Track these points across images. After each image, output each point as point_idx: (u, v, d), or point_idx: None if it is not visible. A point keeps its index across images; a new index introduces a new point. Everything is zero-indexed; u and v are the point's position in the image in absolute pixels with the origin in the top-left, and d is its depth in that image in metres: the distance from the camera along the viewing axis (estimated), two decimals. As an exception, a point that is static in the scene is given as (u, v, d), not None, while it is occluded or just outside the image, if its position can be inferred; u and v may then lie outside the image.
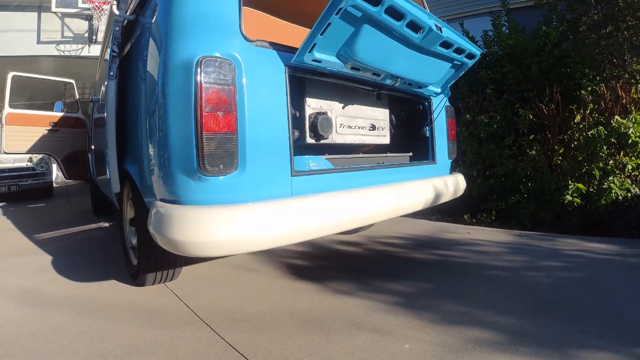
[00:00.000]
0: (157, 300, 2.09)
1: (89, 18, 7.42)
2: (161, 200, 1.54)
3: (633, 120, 3.51)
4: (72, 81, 5.83)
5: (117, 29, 1.96)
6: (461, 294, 2.08)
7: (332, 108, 2.13)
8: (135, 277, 2.26)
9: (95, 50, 7.69)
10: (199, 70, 1.39)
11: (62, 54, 7.57)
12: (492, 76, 4.50)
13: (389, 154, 2.46)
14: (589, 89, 3.95)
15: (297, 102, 1.94)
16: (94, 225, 4.46)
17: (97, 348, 1.61)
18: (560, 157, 3.85)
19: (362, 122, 2.30)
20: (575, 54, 4.32)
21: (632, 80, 3.93)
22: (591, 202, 3.69)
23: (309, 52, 1.62)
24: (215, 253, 1.33)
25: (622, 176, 3.69)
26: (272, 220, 1.38)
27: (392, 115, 2.67)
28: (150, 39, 1.69)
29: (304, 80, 1.95)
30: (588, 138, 3.60)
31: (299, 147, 1.92)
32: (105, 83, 2.03)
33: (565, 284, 2.17)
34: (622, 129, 3.53)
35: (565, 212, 3.76)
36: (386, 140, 2.49)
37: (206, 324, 1.81)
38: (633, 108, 3.68)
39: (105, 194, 4.65)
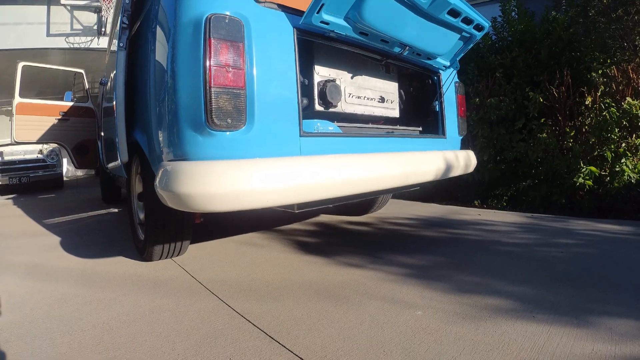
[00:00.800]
0: (164, 273, 2.07)
1: (97, 10, 7.46)
2: (169, 161, 1.52)
3: (646, 101, 3.41)
4: (82, 71, 5.87)
5: (127, 0, 1.94)
6: (474, 266, 2.03)
7: (341, 77, 2.08)
8: (142, 252, 2.24)
9: (104, 42, 7.73)
10: (208, 26, 1.38)
11: (72, 46, 7.63)
12: (502, 61, 4.41)
13: (398, 127, 2.41)
14: (600, 71, 3.84)
15: (306, 69, 1.91)
16: (103, 211, 4.48)
17: (100, 315, 1.59)
18: (571, 140, 3.75)
19: (371, 94, 2.25)
20: (585, 37, 4.22)
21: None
22: (603, 185, 3.60)
23: (317, 13, 1.59)
24: (223, 207, 1.30)
25: (635, 159, 3.58)
26: (280, 175, 1.34)
27: (401, 90, 2.62)
28: (161, 2, 1.67)
29: (312, 46, 1.91)
30: (599, 121, 3.50)
31: (308, 114, 1.89)
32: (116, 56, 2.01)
33: (581, 258, 2.11)
34: (634, 110, 3.43)
35: (577, 195, 3.67)
36: (395, 113, 2.44)
37: (212, 292, 1.78)
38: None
39: (114, 181, 4.67)
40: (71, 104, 5.66)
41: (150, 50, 1.78)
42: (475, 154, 4.33)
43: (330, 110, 1.97)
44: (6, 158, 7.50)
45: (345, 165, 1.55)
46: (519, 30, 4.51)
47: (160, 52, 1.62)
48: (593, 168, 3.49)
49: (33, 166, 7.46)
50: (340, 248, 2.48)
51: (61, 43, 7.69)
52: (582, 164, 3.56)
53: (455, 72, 2.70)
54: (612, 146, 3.53)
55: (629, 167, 3.48)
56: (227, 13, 1.44)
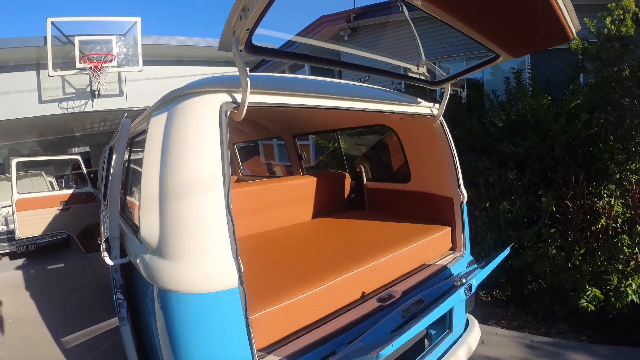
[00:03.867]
0: None
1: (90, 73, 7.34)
2: None
3: (658, 227, 3.37)
4: (78, 157, 5.82)
5: (117, 276, 1.87)
6: None
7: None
8: None
9: (99, 104, 7.63)
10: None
11: (66, 112, 7.51)
12: (515, 150, 4.28)
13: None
14: (617, 176, 3.75)
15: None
16: (113, 321, 4.48)
17: None
18: (580, 258, 3.73)
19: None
20: (607, 130, 4.01)
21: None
22: (606, 302, 3.60)
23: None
24: None
25: (638, 277, 3.57)
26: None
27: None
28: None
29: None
30: (610, 245, 3.48)
31: None
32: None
33: None
34: (647, 236, 3.40)
35: (580, 309, 3.69)
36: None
37: None
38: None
39: None
40: (71, 191, 5.66)
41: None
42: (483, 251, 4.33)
43: None
44: (11, 226, 7.56)
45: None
46: (532, 108, 4.36)
47: None
48: (597, 292, 3.49)
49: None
50: None
51: (54, 109, 7.48)
52: (587, 286, 3.56)
53: None
54: (620, 266, 3.52)
55: (632, 289, 3.48)
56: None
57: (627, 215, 3.65)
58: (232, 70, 10.06)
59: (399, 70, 2.38)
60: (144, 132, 1.64)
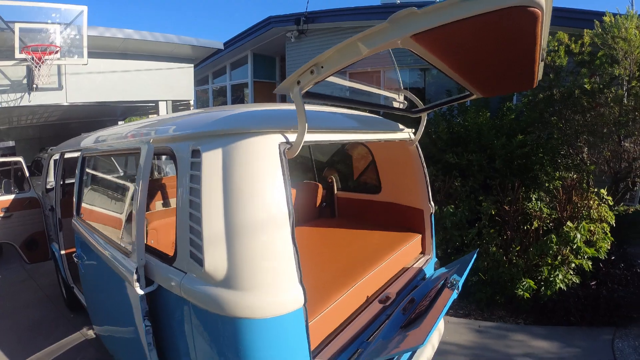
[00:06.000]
0: None
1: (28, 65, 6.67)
2: None
3: (581, 229, 4.06)
4: (20, 159, 5.39)
5: (143, 304, 1.72)
6: None
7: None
8: None
9: (36, 98, 6.97)
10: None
11: (0, 105, 6.78)
12: (459, 161, 4.83)
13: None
14: (546, 185, 4.40)
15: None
16: (77, 336, 4.20)
17: None
18: (516, 254, 4.34)
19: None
20: (537, 147, 4.67)
21: (584, 185, 4.44)
22: (538, 291, 4.26)
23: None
24: None
25: (566, 268, 4.27)
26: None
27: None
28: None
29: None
30: (541, 243, 4.11)
31: None
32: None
33: None
34: (571, 235, 4.07)
35: (517, 297, 4.33)
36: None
37: None
38: (584, 213, 4.21)
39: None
40: (12, 197, 5.24)
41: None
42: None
43: None
44: None
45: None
46: (476, 122, 4.91)
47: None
48: (531, 282, 4.11)
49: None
50: None
51: None
52: (522, 277, 4.17)
53: None
54: (549, 259, 4.17)
55: (559, 278, 4.15)
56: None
57: (554, 217, 4.32)
58: (176, 66, 9.63)
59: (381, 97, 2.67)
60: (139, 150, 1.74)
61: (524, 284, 4.13)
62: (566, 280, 4.19)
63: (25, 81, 6.95)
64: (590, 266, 4.13)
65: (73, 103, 7.44)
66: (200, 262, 1.38)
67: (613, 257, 4.49)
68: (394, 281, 2.40)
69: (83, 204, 3.05)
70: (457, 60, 1.58)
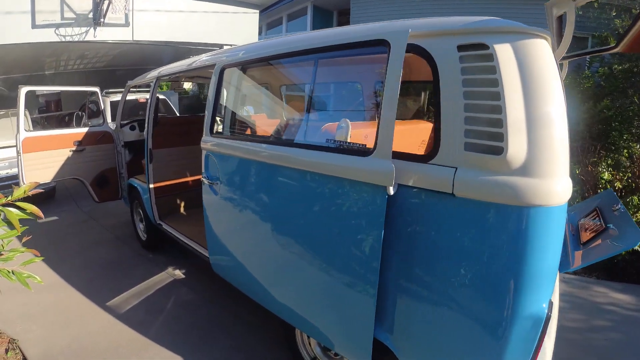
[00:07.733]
0: None
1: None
2: None
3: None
4: (97, 89, 4.91)
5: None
6: None
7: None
8: None
9: (101, 34, 6.46)
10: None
11: (64, 40, 6.32)
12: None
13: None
14: (625, 152, 4.31)
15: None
16: (163, 275, 3.75)
17: None
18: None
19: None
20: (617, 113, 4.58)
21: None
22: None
23: None
24: None
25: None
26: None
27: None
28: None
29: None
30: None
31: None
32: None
33: None
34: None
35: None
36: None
37: None
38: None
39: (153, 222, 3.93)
40: (86, 130, 4.79)
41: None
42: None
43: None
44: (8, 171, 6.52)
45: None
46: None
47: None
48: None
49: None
50: None
51: (50, 36, 6.26)
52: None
53: None
54: None
55: None
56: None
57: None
58: (242, 11, 9.02)
59: None
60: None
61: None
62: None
63: (91, 15, 6.44)
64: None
65: (139, 41, 6.94)
66: (495, 151, 1.34)
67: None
68: None
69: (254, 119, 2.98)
70: None
